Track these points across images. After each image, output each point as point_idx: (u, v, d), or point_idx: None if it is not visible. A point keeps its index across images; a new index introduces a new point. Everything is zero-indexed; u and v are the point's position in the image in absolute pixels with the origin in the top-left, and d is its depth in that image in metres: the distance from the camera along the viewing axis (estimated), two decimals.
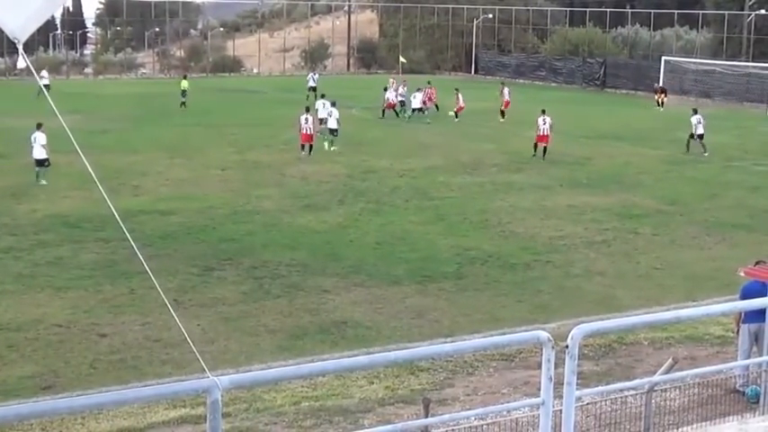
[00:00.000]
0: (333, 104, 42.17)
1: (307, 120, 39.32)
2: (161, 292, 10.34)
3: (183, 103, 56.55)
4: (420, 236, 25.98)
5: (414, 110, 52.37)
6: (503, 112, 52.67)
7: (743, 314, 14.70)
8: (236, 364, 16.06)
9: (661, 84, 65.94)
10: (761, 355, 14.05)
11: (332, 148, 40.39)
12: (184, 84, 58.38)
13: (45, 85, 62.61)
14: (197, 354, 11.93)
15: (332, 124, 41.23)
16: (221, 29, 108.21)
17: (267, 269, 22.27)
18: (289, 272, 22.08)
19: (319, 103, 44.62)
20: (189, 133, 44.99)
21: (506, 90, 54.10)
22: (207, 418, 5.27)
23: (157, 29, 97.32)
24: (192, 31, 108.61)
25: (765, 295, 13.21)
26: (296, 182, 33.39)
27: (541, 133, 39.72)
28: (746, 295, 14.29)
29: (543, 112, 40.43)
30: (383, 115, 52.32)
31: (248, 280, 21.44)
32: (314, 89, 59.65)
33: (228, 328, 18.30)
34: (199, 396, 5.48)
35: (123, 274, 21.18)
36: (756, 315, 14.01)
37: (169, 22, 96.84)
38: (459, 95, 52.62)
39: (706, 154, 41.11)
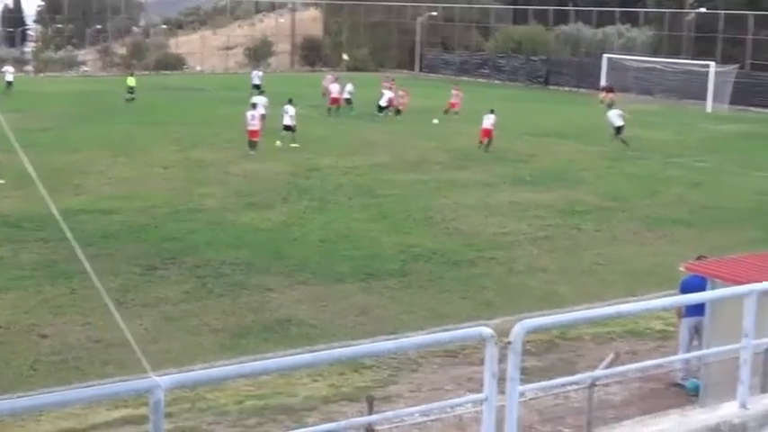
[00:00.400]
0: (290, 102, 42.36)
1: (253, 116, 39.57)
2: (103, 292, 10.27)
3: (131, 100, 56.23)
4: (364, 233, 25.98)
5: (380, 108, 52.54)
6: (447, 111, 52.82)
7: (683, 308, 14.88)
8: (178, 363, 15.93)
9: (604, 82, 66.33)
10: (701, 349, 14.24)
11: (292, 145, 40.55)
12: (131, 81, 58.01)
13: (8, 82, 62.11)
14: (139, 354, 11.85)
15: (287, 121, 41.34)
16: (164, 26, 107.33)
17: (210, 268, 22.15)
18: (232, 270, 21.98)
19: (256, 99, 44.71)
20: (131, 131, 44.57)
21: (454, 92, 54.34)
22: (149, 418, 5.22)
23: (99, 26, 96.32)
24: (134, 28, 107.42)
25: (705, 290, 13.40)
26: (239, 180, 33.24)
27: (484, 127, 41.10)
28: (686, 290, 14.50)
29: (492, 111, 41.63)
30: (330, 113, 52.32)
31: (191, 279, 21.31)
32: (258, 87, 59.49)
33: (171, 328, 18.18)
34: (141, 396, 5.43)
35: (64, 275, 20.94)
36: (696, 309, 14.21)
37: (111, 19, 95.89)
38: (456, 93, 53.07)
39: (628, 149, 42.18)
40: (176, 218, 27.33)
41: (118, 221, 26.68)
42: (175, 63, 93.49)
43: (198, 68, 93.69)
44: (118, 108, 54.24)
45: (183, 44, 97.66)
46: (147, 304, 19.49)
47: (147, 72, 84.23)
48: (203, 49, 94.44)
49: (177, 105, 56.66)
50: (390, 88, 54.05)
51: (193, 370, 14.18)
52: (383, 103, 52.89)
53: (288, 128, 41.20)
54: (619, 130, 43.43)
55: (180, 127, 46.33)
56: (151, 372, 9.15)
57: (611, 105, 60.05)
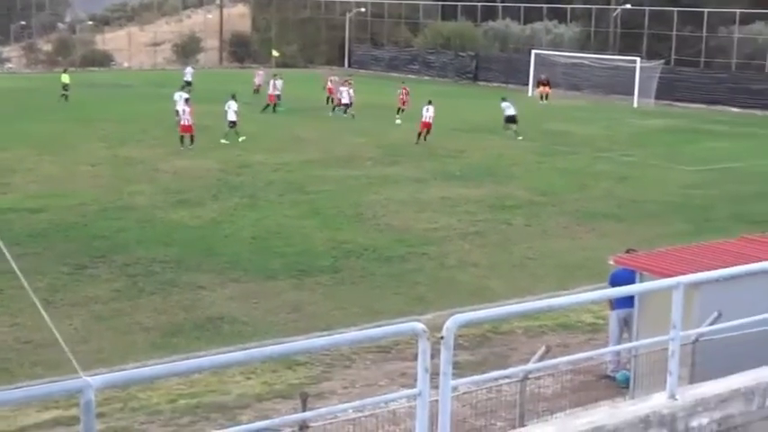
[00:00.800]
0: (233, 97, 42.64)
1: (184, 111, 39.83)
2: (30, 292, 10.13)
3: (65, 97, 55.77)
4: (295, 230, 25.93)
5: (344, 105, 52.08)
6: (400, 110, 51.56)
7: (613, 301, 15.04)
8: (110, 363, 15.77)
9: (541, 75, 66.60)
10: (631, 341, 14.39)
11: (240, 139, 40.98)
12: (65, 78, 57.50)
13: None
14: (69, 354, 11.70)
15: (231, 117, 41.68)
16: (90, 22, 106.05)
17: (141, 266, 21.95)
18: (163, 268, 21.81)
19: (177, 95, 44.50)
20: (58, 129, 44.02)
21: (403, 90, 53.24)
22: (81, 419, 5.17)
23: (24, 22, 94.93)
24: (59, 24, 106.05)
25: (634, 282, 13.56)
26: (169, 177, 32.98)
27: (424, 120, 41.99)
28: (615, 282, 14.62)
29: (429, 102, 42.73)
30: (264, 110, 52.09)
31: (121, 277, 21.11)
32: (189, 83, 59.20)
33: (102, 327, 17.99)
34: (72, 397, 5.38)
35: None
36: (625, 301, 14.35)
37: (36, 15, 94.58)
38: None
39: (520, 138, 43.66)
40: (105, 216, 27.04)
41: (46, 220, 26.34)
42: (102, 59, 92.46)
43: (125, 65, 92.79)
44: (45, 105, 53.55)
45: (109, 40, 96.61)
46: (77, 303, 19.26)
47: (73, 69, 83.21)
48: (130, 46, 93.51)
49: (104, 102, 56.05)
50: (349, 87, 53.13)
51: (125, 369, 14.05)
52: (346, 100, 51.99)
53: (233, 123, 41.60)
54: (510, 119, 44.97)
55: (108, 124, 45.87)
56: (81, 372, 9.07)
57: (545, 97, 60.77)
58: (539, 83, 65.17)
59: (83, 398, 5.11)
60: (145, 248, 23.52)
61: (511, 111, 45.12)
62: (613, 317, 15.49)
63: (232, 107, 41.81)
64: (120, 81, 71.58)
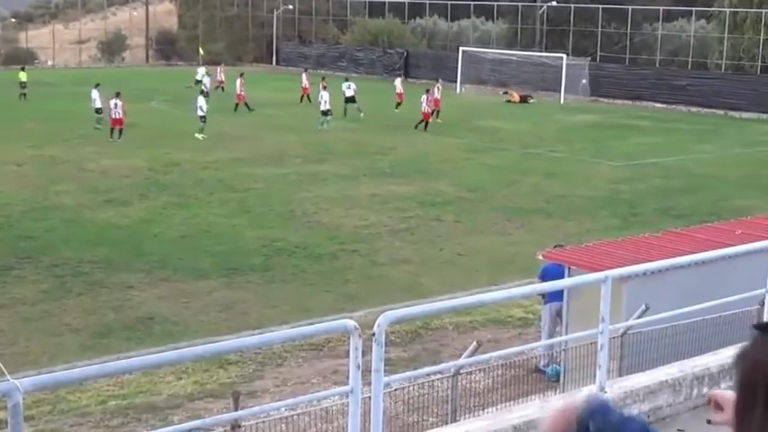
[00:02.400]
0: (201, 93, 43.55)
1: (116, 104, 40.20)
2: None
3: (24, 95, 55.44)
4: (225, 229, 25.80)
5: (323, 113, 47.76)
6: (437, 112, 48.88)
7: (546, 295, 15.18)
8: (38, 365, 15.56)
9: (461, 72, 66.91)
10: (563, 335, 14.54)
11: (200, 136, 41.62)
12: (22, 75, 56.74)
13: None
14: None
15: (198, 112, 42.29)
16: (13, 19, 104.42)
17: (68, 266, 21.69)
18: (91, 269, 21.57)
19: (94, 92, 44.16)
20: None
21: (437, 87, 50.80)
22: (8, 422, 5.10)
23: None
24: None
25: (563, 276, 13.71)
26: (96, 176, 32.61)
27: (435, 97, 46.20)
28: (546, 277, 14.81)
29: (427, 91, 46.47)
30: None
31: (49, 278, 20.84)
32: (200, 82, 57.42)
33: (29, 329, 17.75)
34: None
35: None
36: (556, 295, 14.58)
37: None
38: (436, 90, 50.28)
39: (362, 114, 47.21)
40: (32, 216, 26.66)
41: None
42: (26, 58, 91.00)
43: (50, 63, 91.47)
44: None
45: (33, 38, 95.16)
46: (3, 305, 18.98)
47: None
48: (55, 44, 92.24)
49: (29, 101, 55.21)
50: (325, 88, 48.73)
51: (53, 371, 13.88)
52: (325, 107, 46.11)
53: (203, 118, 42.26)
54: (349, 99, 49.17)
55: (32, 123, 45.17)
56: (8, 374, 8.93)
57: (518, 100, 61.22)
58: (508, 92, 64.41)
59: (10, 401, 5.04)
60: (72, 249, 23.24)
61: (350, 92, 49.36)
62: (546, 311, 15.69)
63: (199, 103, 42.58)
64: (44, 79, 70.50)
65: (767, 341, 2.56)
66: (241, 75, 54.19)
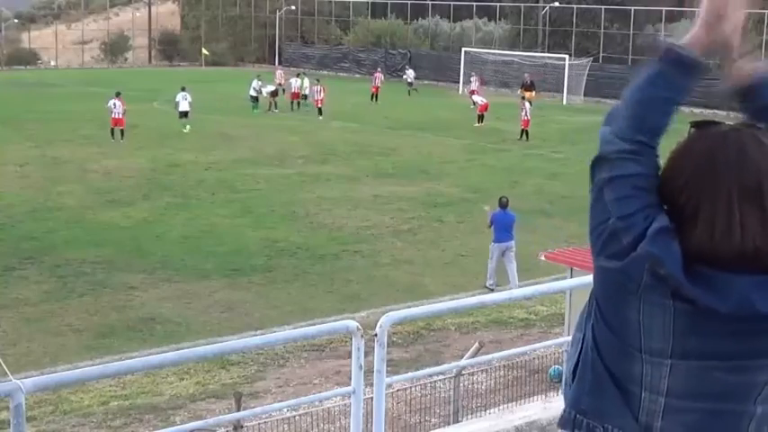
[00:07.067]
0: (183, 89, 43.90)
1: (115, 104, 40.20)
2: None
3: None
4: (228, 229, 25.80)
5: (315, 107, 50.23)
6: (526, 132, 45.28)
7: (494, 234, 21.26)
8: (40, 365, 15.58)
9: (463, 73, 66.79)
10: (508, 265, 20.82)
11: (185, 129, 42.42)
12: None
13: None
14: None
15: (183, 107, 43.02)
16: (15, 20, 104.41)
17: (71, 267, 21.70)
18: (93, 269, 21.58)
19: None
20: None
21: (527, 105, 46.34)
22: (10, 423, 5.10)
23: None
24: None
25: (513, 222, 21.51)
26: (98, 177, 32.61)
27: (523, 118, 44.41)
28: (496, 222, 21.45)
29: (523, 98, 47.21)
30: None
31: (51, 279, 20.86)
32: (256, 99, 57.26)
33: (32, 330, 17.77)
34: (2, 401, 5.31)
35: None
36: (505, 236, 21.11)
37: None
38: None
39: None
40: (34, 216, 26.67)
41: None
42: (29, 58, 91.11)
43: (52, 64, 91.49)
44: None
45: (36, 39, 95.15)
46: (5, 306, 18.99)
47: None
48: (58, 44, 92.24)
49: (31, 101, 55.17)
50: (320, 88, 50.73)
51: (56, 372, 13.90)
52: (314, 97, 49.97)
53: (185, 114, 42.92)
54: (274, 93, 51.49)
55: (35, 123, 45.17)
56: (11, 375, 8.93)
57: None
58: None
59: (13, 401, 5.04)
60: (75, 249, 23.25)
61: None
62: (494, 247, 21.03)
63: (187, 98, 43.08)
64: (47, 80, 70.57)
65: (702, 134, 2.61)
66: (317, 80, 53.91)
